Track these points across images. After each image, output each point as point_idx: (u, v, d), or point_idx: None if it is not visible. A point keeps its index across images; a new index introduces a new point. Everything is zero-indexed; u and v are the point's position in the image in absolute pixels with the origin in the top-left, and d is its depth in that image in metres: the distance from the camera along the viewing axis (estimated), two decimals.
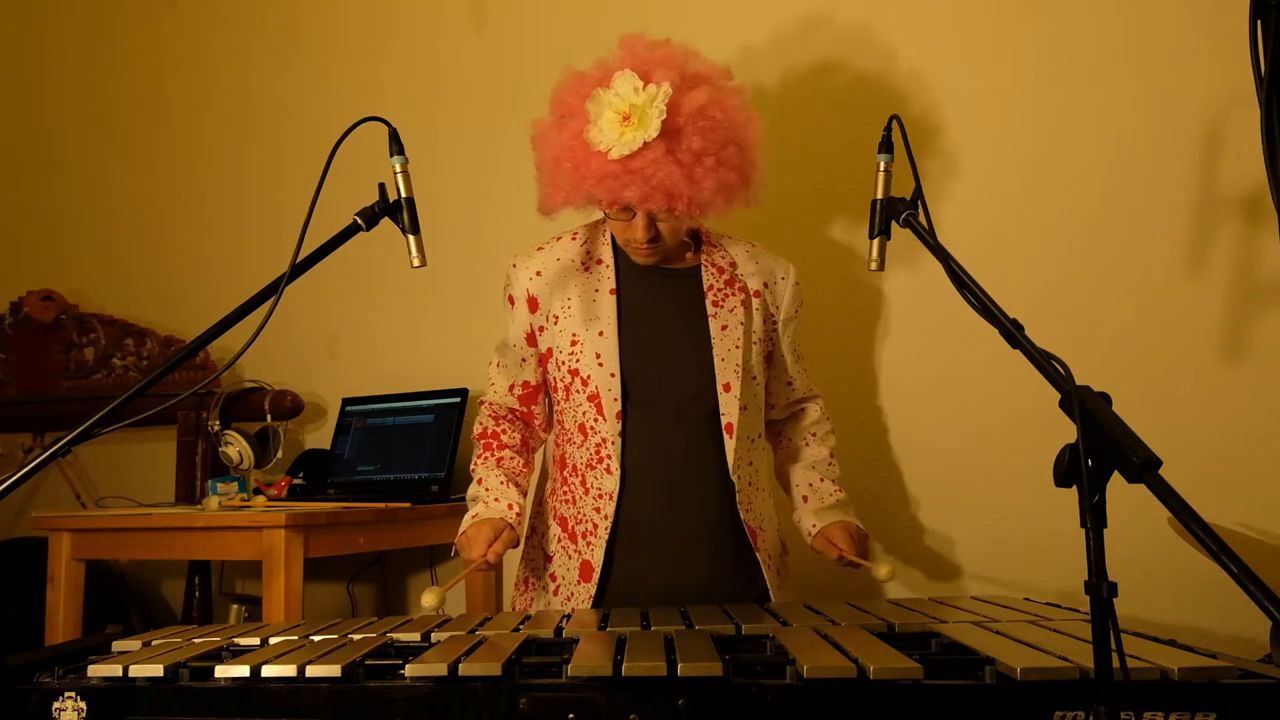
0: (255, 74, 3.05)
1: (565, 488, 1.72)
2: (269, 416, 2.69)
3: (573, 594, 1.68)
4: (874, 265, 1.43)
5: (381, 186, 1.45)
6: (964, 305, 1.21)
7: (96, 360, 3.05)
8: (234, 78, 3.08)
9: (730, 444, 1.66)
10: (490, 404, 1.82)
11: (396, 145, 1.44)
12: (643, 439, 1.66)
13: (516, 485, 1.74)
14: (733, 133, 1.58)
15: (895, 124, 1.44)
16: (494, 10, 2.72)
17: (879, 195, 1.43)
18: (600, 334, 1.67)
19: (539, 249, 1.76)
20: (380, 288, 2.76)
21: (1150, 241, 2.02)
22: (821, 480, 1.80)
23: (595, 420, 1.66)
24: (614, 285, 1.70)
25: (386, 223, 1.45)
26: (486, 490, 1.71)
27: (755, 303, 1.74)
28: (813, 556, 1.76)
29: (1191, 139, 2.00)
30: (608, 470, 1.65)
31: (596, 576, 1.65)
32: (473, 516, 1.68)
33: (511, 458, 1.77)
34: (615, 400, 1.65)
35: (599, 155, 1.52)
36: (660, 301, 1.71)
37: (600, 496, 1.66)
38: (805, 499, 1.80)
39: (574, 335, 1.68)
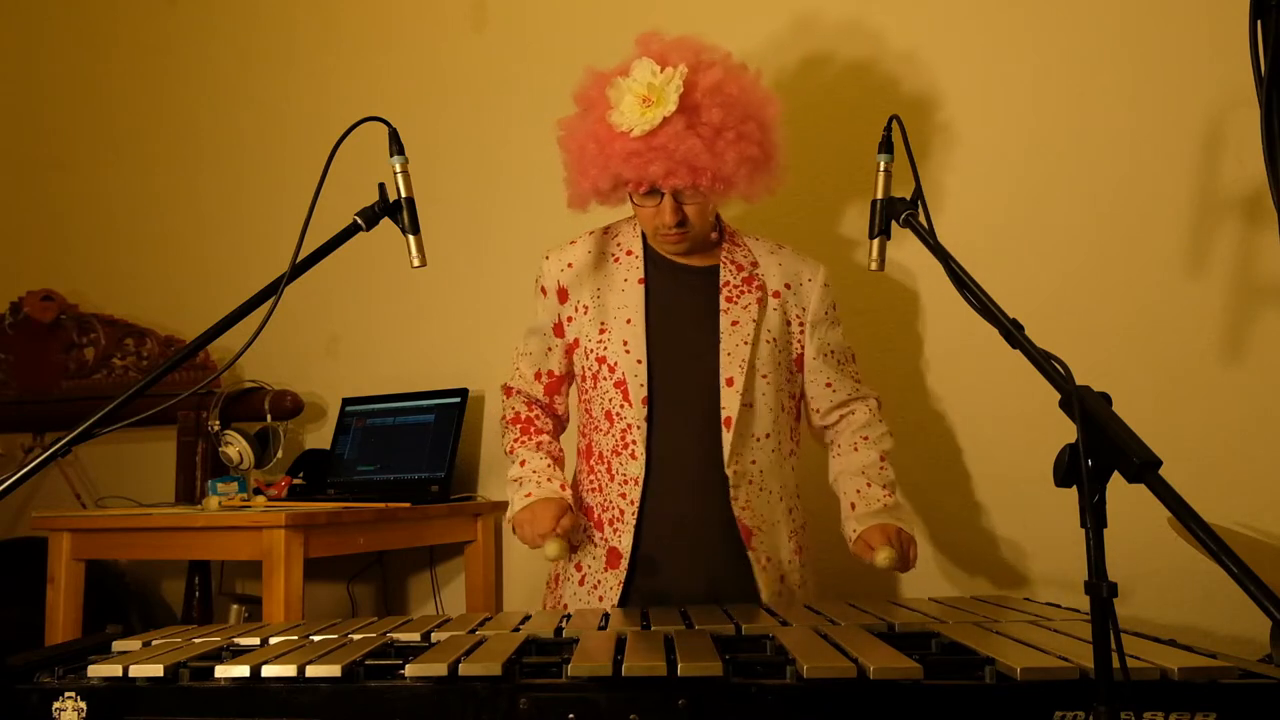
0: (255, 74, 3.05)
1: (592, 476, 1.74)
2: (269, 416, 2.69)
3: (599, 581, 1.68)
4: (874, 265, 1.44)
5: (381, 186, 1.45)
6: (964, 305, 1.21)
7: (96, 360, 3.04)
8: (234, 78, 3.08)
9: (727, 437, 1.66)
10: (518, 390, 1.84)
11: (396, 145, 1.44)
12: (666, 427, 1.67)
13: (561, 471, 1.76)
14: (751, 108, 1.62)
15: (895, 124, 1.44)
16: (494, 10, 2.72)
17: (879, 195, 1.43)
18: (628, 321, 1.70)
19: (571, 243, 1.80)
20: (380, 288, 2.76)
21: (1150, 241, 2.02)
22: (869, 485, 1.72)
23: (621, 406, 1.68)
24: (642, 275, 1.73)
25: (387, 223, 1.45)
26: (534, 472, 1.72)
27: (774, 303, 1.74)
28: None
29: (1191, 139, 2.00)
30: (633, 456, 1.67)
31: (625, 563, 1.66)
32: (526, 496, 1.68)
33: (550, 443, 1.80)
34: (642, 387, 1.67)
35: (622, 136, 1.58)
36: (681, 296, 1.73)
37: (626, 482, 1.67)
38: (853, 506, 1.72)
39: (602, 323, 1.71)
